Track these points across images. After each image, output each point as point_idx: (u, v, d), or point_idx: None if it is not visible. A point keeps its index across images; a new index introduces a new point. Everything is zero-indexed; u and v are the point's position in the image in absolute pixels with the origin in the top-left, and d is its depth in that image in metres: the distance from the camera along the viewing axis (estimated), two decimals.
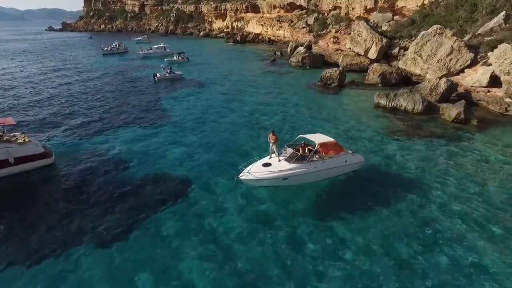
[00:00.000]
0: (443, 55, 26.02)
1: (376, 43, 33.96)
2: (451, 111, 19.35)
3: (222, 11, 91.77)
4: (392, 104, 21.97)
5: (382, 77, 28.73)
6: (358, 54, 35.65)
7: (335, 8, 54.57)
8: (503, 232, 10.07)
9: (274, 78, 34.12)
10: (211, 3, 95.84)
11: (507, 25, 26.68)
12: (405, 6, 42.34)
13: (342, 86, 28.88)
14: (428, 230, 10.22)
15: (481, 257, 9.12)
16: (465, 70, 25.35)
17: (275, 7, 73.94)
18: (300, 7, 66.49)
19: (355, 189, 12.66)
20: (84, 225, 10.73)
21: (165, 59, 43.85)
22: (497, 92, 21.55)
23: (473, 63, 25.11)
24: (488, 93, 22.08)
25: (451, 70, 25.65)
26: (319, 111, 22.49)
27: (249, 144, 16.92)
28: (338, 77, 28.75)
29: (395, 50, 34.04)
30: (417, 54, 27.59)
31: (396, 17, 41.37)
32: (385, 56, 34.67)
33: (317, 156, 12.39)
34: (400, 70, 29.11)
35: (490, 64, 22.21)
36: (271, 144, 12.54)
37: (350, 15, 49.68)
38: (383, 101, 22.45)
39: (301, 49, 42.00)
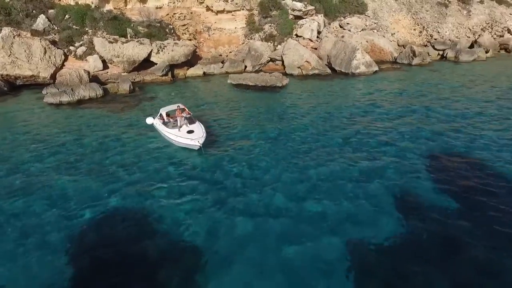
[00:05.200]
0: (42, 54, 28.09)
1: None
2: (124, 86, 25.82)
3: None
4: (76, 98, 23.52)
5: None
6: None
7: None
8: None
9: None
10: None
11: (54, 26, 32.61)
12: None
13: None
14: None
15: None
16: (65, 63, 29.82)
17: None
18: None
19: None
20: None
21: None
22: (114, 71, 29.88)
23: (67, 56, 30.11)
24: (108, 73, 29.71)
25: (57, 65, 28.87)
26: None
27: None
28: None
29: None
30: (14, 57, 26.88)
31: None
32: None
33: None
34: (2, 76, 26.61)
35: (98, 53, 29.23)
36: (179, 118, 14.89)
37: None
38: (64, 99, 23.07)
39: None
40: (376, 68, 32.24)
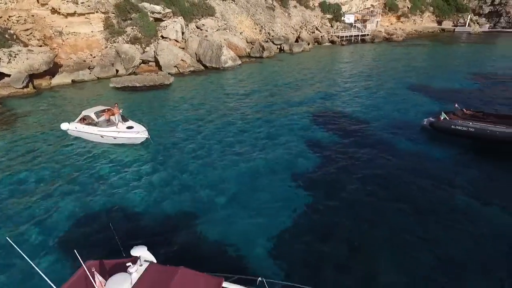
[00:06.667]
0: None
1: None
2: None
3: None
4: None
5: None
6: None
7: None
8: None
9: None
10: None
11: None
12: None
13: None
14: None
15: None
16: None
17: None
18: None
19: None
20: None
21: None
22: None
23: None
24: None
25: None
26: None
27: None
28: None
29: None
30: None
31: None
32: None
33: None
34: None
35: None
36: (117, 116, 14.95)
37: None
38: None
39: None
40: (240, 62, 37.63)
